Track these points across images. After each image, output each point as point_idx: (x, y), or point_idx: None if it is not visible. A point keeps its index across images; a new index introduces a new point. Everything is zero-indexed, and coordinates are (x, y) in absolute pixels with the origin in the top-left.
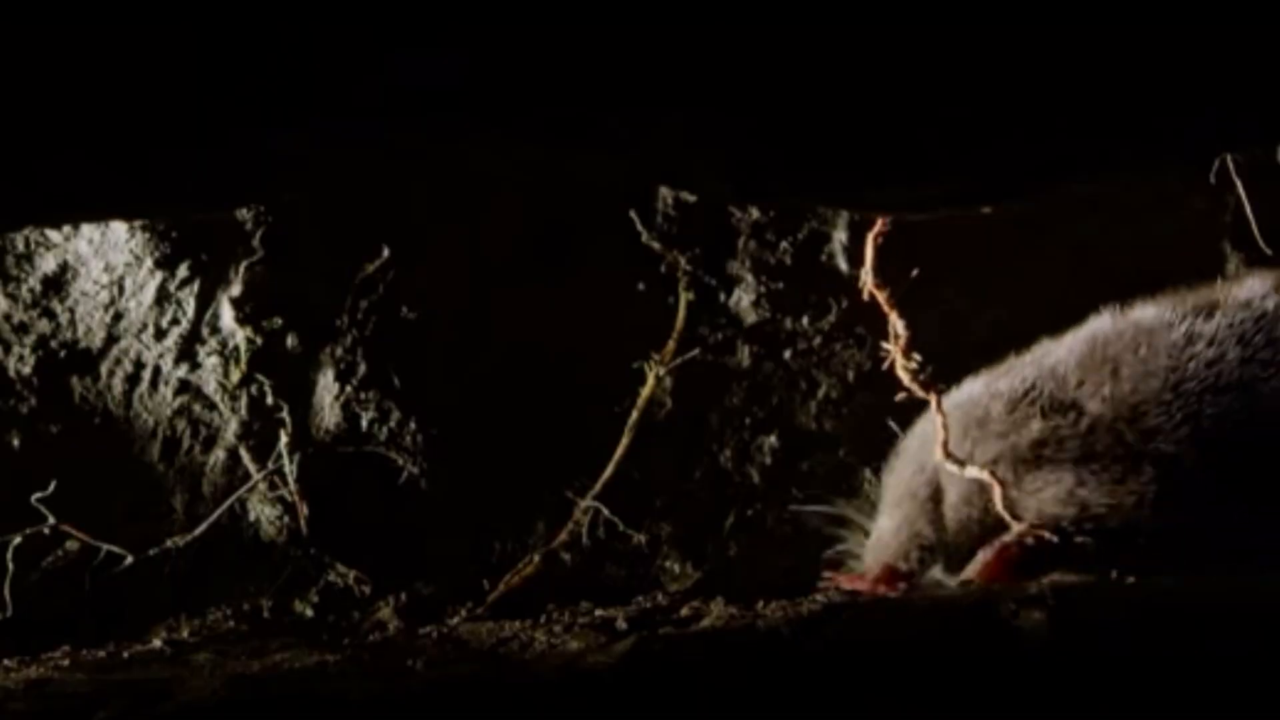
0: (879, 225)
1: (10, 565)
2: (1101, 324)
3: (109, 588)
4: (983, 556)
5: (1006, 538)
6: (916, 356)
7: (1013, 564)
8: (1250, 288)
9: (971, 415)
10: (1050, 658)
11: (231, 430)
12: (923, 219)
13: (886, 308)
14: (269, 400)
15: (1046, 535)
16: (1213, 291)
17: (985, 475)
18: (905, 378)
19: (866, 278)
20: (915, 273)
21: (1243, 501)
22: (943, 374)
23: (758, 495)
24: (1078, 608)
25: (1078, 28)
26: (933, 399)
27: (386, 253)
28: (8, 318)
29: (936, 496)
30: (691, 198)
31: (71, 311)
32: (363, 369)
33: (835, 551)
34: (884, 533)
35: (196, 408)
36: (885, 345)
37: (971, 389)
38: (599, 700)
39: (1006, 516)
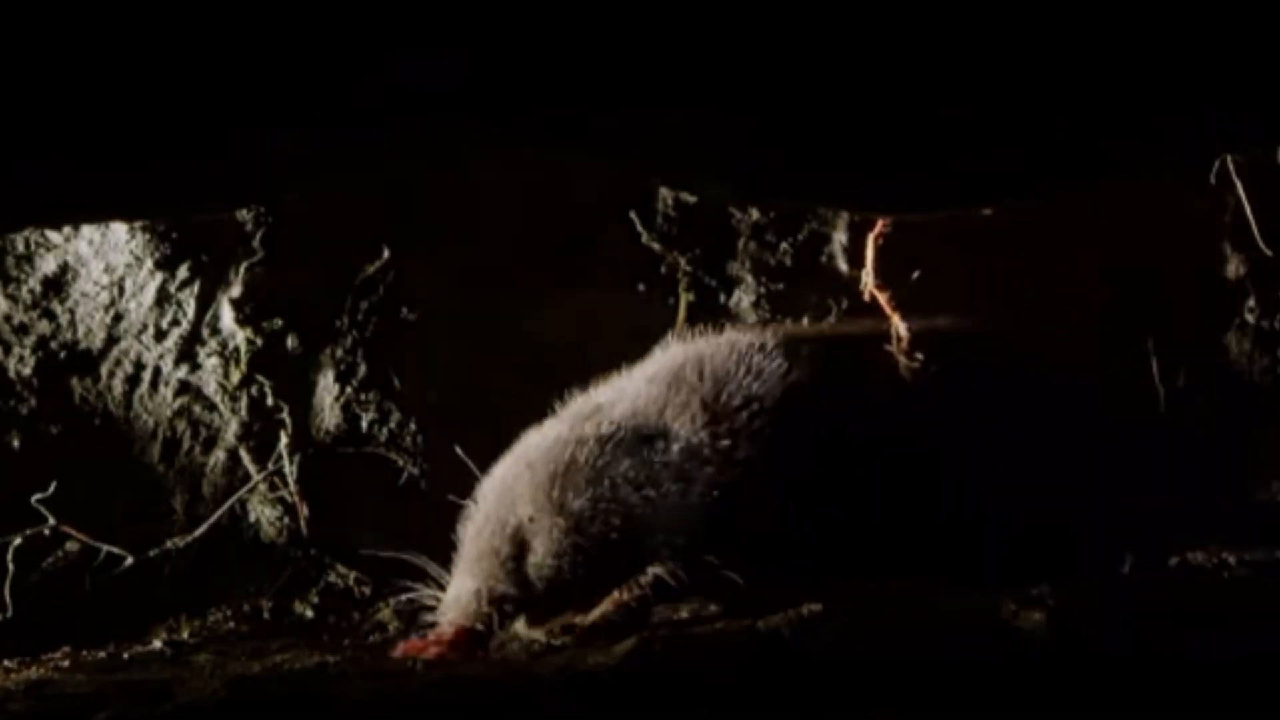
0: (879, 226)
1: (10, 565)
2: (674, 353)
3: (109, 588)
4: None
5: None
6: (919, 356)
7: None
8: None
9: (560, 462)
10: (1050, 658)
11: (231, 431)
12: (923, 219)
13: (888, 309)
14: (269, 401)
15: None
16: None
17: None
18: (908, 377)
19: (867, 279)
20: (916, 274)
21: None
22: None
23: None
24: (1077, 608)
25: (1078, 28)
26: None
27: (386, 253)
28: (8, 318)
29: (520, 554)
30: (691, 198)
31: (72, 312)
32: (363, 369)
33: (404, 601)
34: (462, 592)
35: (196, 409)
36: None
37: (557, 433)
38: (599, 700)
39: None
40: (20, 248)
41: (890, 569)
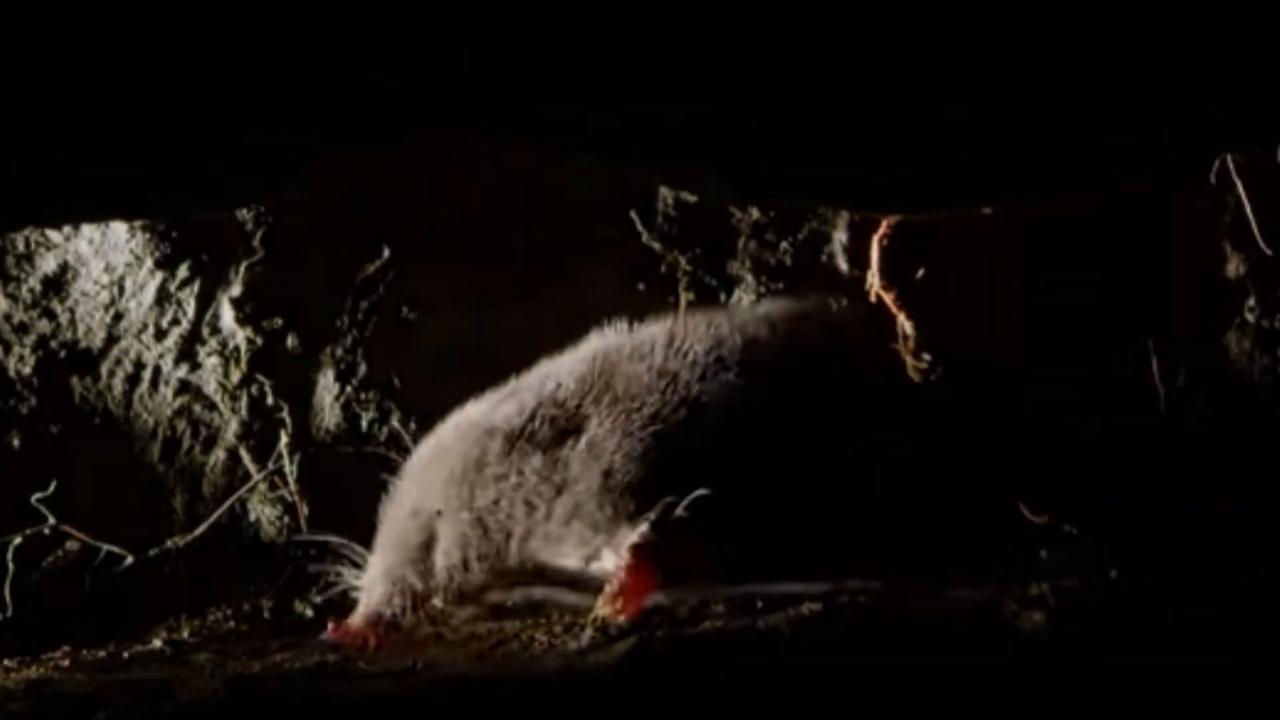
0: (884, 227)
1: (10, 565)
2: (597, 341)
3: (109, 588)
4: (619, 565)
5: (633, 537)
6: (926, 356)
7: (649, 560)
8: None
9: (469, 456)
10: (1050, 658)
11: (231, 430)
12: (923, 219)
13: (894, 308)
14: (269, 400)
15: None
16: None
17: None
18: (915, 378)
19: (873, 279)
20: (920, 273)
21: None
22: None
23: None
24: (1077, 608)
25: (1078, 28)
26: None
27: (386, 253)
28: (8, 318)
29: (429, 544)
30: (691, 198)
31: (72, 312)
32: (363, 369)
33: (326, 585)
34: (375, 578)
35: (197, 408)
36: (894, 346)
37: (472, 421)
38: (599, 700)
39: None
40: (20, 247)
41: (801, 560)
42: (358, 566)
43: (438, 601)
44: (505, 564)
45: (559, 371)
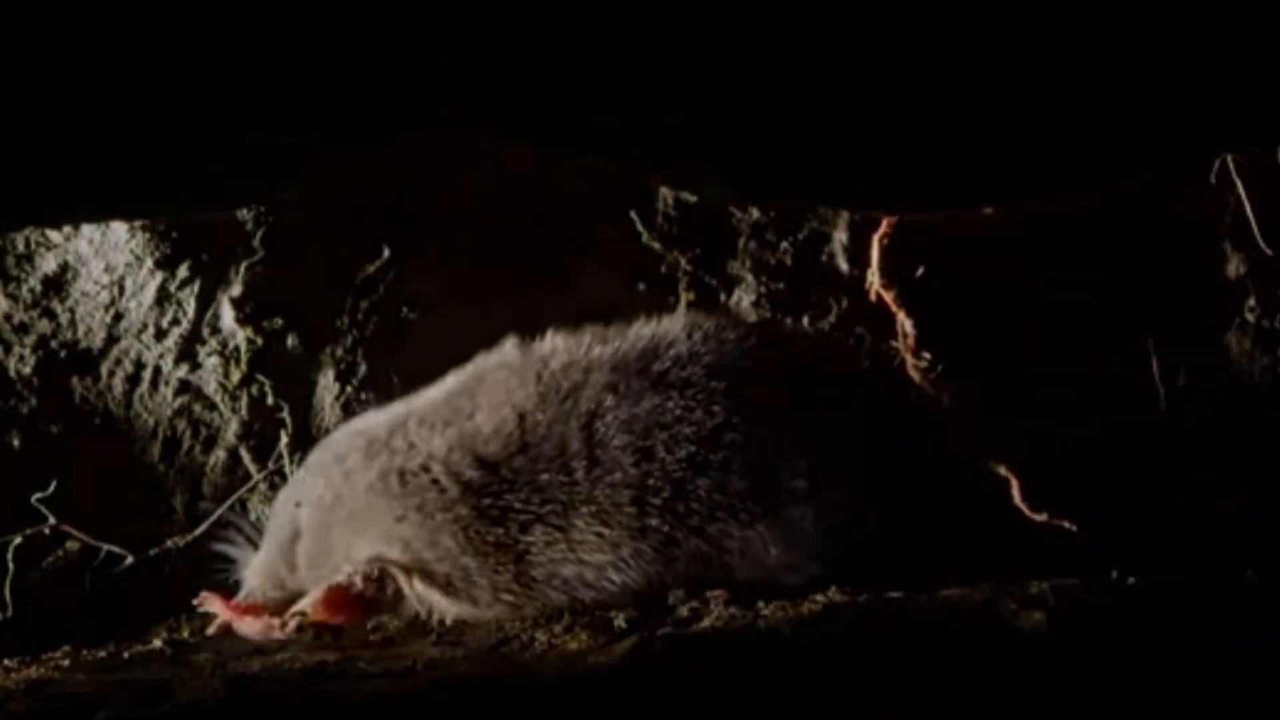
0: (884, 227)
1: (10, 565)
2: (486, 358)
3: (109, 588)
4: (315, 595)
5: (338, 578)
6: (926, 355)
7: (339, 602)
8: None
9: (330, 459)
10: (1050, 658)
11: (232, 430)
12: (923, 219)
13: (894, 307)
14: (269, 400)
15: (359, 579)
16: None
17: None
18: (915, 376)
19: (873, 278)
20: (920, 272)
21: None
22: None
23: None
24: (1077, 608)
25: (1078, 29)
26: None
27: (386, 253)
28: (8, 318)
29: (297, 537)
30: (691, 198)
31: (72, 312)
32: (363, 369)
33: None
34: (255, 566)
35: (197, 408)
36: (893, 344)
37: (357, 427)
38: (599, 700)
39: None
40: (20, 247)
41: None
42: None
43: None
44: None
45: (435, 389)
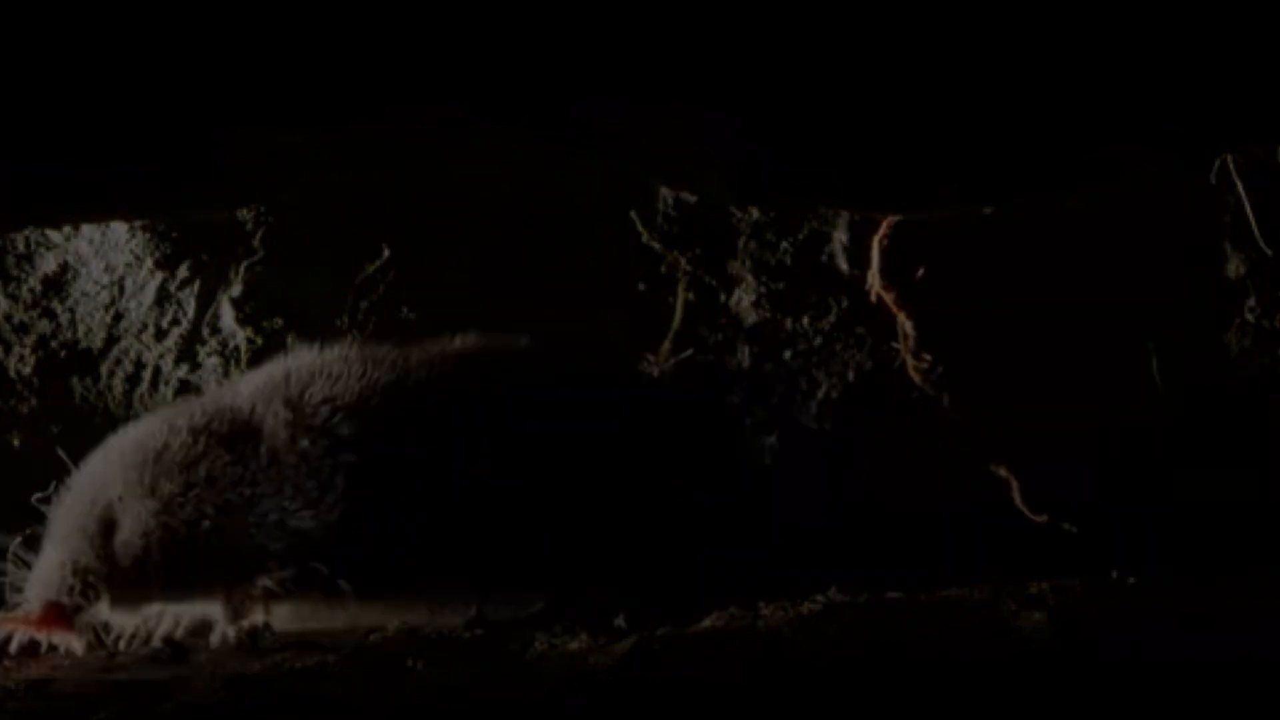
0: (884, 227)
1: (9, 565)
2: (277, 361)
3: None
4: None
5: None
6: (926, 356)
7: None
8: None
9: (152, 448)
10: (1050, 658)
11: None
12: (923, 219)
13: (894, 308)
14: None
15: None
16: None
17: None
18: (916, 377)
19: (874, 279)
20: (921, 272)
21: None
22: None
23: None
24: (1077, 608)
25: (1078, 29)
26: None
27: (386, 253)
28: (8, 318)
29: (109, 531)
30: (691, 198)
31: (72, 312)
32: None
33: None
34: (48, 568)
35: None
36: (894, 345)
37: (150, 424)
38: (599, 700)
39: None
40: (20, 247)
41: (484, 576)
42: (25, 564)
43: (111, 593)
44: (193, 556)
45: (240, 384)
